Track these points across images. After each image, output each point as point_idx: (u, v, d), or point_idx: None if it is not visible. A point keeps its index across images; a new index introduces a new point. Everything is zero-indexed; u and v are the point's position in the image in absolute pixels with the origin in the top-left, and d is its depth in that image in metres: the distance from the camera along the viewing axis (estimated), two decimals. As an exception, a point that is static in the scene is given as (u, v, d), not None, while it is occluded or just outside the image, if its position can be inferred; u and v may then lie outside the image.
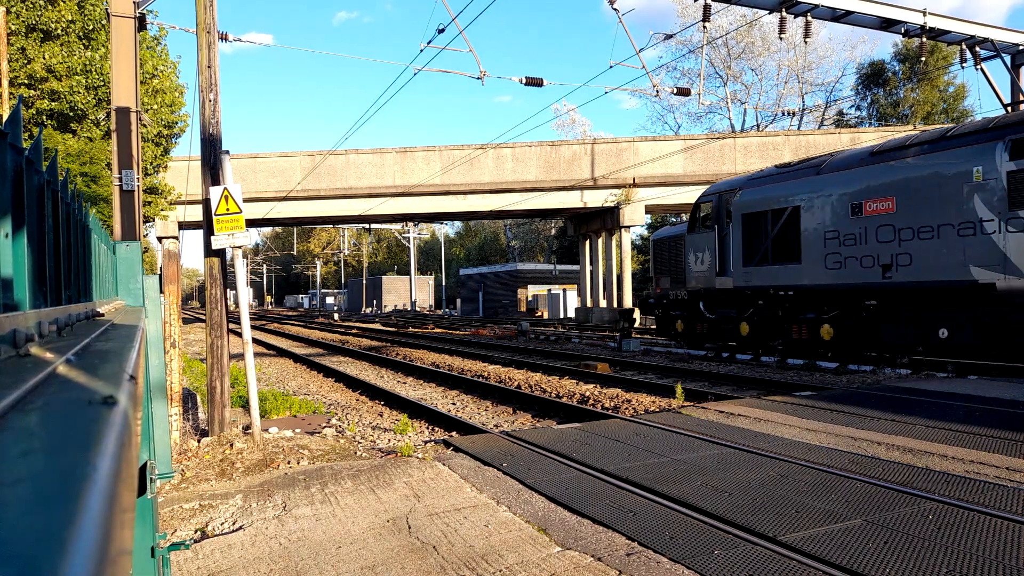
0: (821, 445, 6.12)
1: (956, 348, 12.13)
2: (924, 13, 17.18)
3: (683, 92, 19.76)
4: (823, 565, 3.48)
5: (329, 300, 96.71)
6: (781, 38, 17.00)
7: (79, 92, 16.15)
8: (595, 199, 32.78)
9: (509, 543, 4.02)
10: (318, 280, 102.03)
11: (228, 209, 7.71)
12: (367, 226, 57.66)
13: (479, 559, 3.79)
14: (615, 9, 16.96)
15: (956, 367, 12.13)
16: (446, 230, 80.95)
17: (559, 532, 4.16)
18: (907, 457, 5.61)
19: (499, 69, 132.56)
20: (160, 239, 30.81)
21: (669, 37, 18.71)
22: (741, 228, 16.36)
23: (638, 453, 6.03)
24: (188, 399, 11.63)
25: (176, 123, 21.07)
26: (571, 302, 47.20)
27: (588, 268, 36.25)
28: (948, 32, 17.83)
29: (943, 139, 12.35)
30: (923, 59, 22.26)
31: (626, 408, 10.36)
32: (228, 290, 9.16)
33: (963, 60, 18.48)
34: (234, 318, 10.04)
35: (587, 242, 36.33)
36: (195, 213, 22.02)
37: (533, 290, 55.26)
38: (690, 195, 25.69)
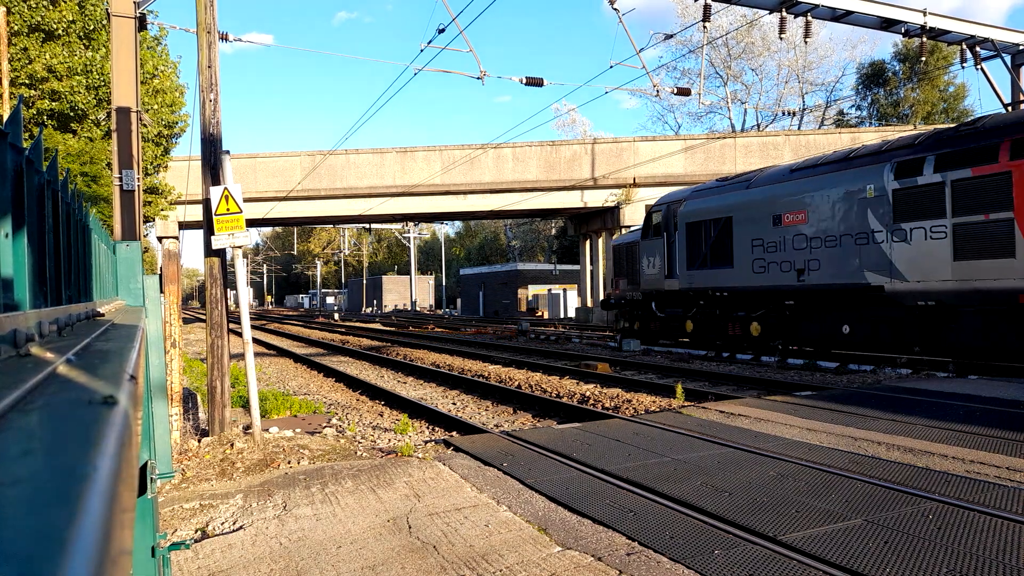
0: (821, 445, 6.12)
1: (856, 342, 13.80)
2: (924, 13, 17.17)
3: (683, 92, 19.76)
4: (823, 565, 3.48)
5: (329, 300, 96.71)
6: (781, 38, 16.99)
7: (79, 92, 16.15)
8: (595, 199, 32.77)
9: (509, 543, 4.02)
10: (318, 280, 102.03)
11: (228, 209, 7.71)
12: (367, 226, 57.67)
13: (479, 559, 3.79)
14: (615, 9, 16.95)
15: (956, 367, 12.15)
16: (446, 230, 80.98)
17: (559, 532, 4.16)
18: (907, 457, 5.61)
19: (499, 69, 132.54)
20: (160, 239, 30.80)
21: (669, 37, 18.70)
22: (685, 235, 18.04)
23: (638, 453, 6.03)
24: (188, 399, 11.63)
25: (176, 123, 21.08)
26: (571, 302, 47.17)
27: (588, 268, 36.24)
28: (948, 32, 17.82)
29: (846, 159, 14.10)
30: (923, 59, 22.26)
31: (626, 408, 10.36)
32: (228, 290, 9.16)
33: (963, 60, 18.48)
34: (234, 318, 10.03)
35: (587, 242, 36.33)
36: (195, 213, 22.02)
37: (533, 290, 55.25)
38: (690, 195, 25.77)
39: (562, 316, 46.83)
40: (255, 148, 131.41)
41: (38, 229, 1.62)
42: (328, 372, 16.91)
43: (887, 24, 17.30)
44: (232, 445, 7.41)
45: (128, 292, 3.56)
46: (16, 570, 0.32)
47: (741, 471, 5.32)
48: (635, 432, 6.91)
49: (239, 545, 4.27)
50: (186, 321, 50.02)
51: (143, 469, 2.22)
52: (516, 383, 13.46)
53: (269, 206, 31.40)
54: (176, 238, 30.75)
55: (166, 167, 23.32)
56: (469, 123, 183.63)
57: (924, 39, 17.70)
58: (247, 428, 8.28)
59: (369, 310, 77.10)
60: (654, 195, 32.10)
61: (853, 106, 51.12)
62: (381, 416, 11.08)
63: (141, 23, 9.29)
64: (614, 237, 23.64)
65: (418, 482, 5.39)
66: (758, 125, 51.33)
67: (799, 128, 49.20)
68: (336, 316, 54.36)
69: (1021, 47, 18.79)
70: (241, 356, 8.99)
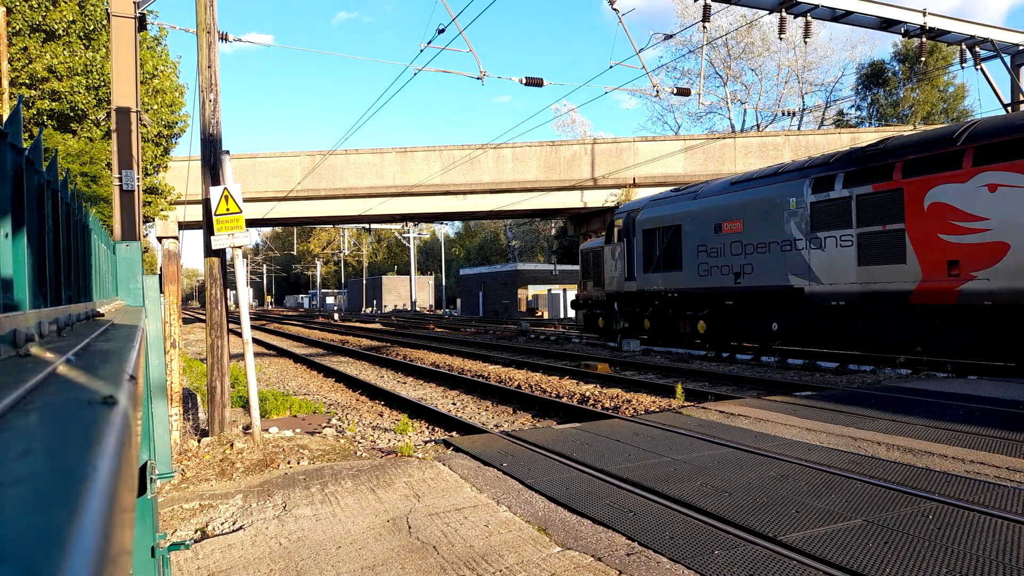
0: (821, 445, 6.12)
1: (782, 337, 15.47)
2: (924, 13, 17.17)
3: (683, 92, 19.77)
4: (823, 565, 3.48)
5: (329, 300, 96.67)
6: (781, 38, 16.99)
7: (80, 92, 16.14)
8: (595, 199, 32.76)
9: (509, 543, 4.02)
10: (318, 280, 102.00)
11: (228, 209, 7.71)
12: (367, 226, 57.64)
13: (479, 559, 3.79)
14: (615, 9, 16.95)
15: (956, 367, 12.17)
16: (446, 230, 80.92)
17: (559, 532, 4.16)
18: (907, 457, 5.60)
19: (499, 69, 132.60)
20: (160, 239, 30.76)
21: (669, 37, 18.70)
22: (642, 242, 19.71)
23: (638, 453, 6.03)
24: (188, 399, 11.63)
25: (176, 123, 21.05)
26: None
27: (588, 268, 36.23)
28: (948, 32, 17.82)
29: (775, 174, 15.71)
30: (923, 59, 22.25)
31: (626, 408, 10.36)
32: (228, 290, 9.16)
33: (963, 60, 18.48)
34: (234, 318, 10.03)
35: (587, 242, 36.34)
36: (195, 213, 22.01)
37: (533, 290, 55.20)
38: (690, 195, 25.94)
39: (562, 316, 46.80)
40: (255, 148, 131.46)
41: (38, 229, 1.62)
42: (328, 372, 16.90)
43: (887, 24, 17.30)
44: (232, 445, 7.41)
45: (128, 292, 3.56)
46: (16, 570, 0.32)
47: (741, 471, 5.31)
48: (635, 432, 6.91)
49: (239, 545, 4.27)
50: (186, 321, 50.03)
51: (143, 469, 2.22)
52: (516, 383, 13.46)
53: (269, 206, 31.39)
54: (176, 238, 30.72)
55: (166, 167, 23.29)
56: (469, 123, 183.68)
57: (924, 39, 17.70)
58: (247, 428, 8.28)
59: (369, 310, 77.06)
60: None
61: (853, 106, 51.13)
62: (381, 416, 11.07)
63: (141, 23, 9.29)
64: (583, 242, 25.51)
65: (418, 482, 5.39)
66: (758, 125, 51.33)
67: (799, 128, 49.20)
68: (336, 316, 54.33)
69: (1021, 47, 18.79)
70: (241, 356, 8.99)
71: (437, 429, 9.78)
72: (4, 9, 13.86)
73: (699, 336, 17.79)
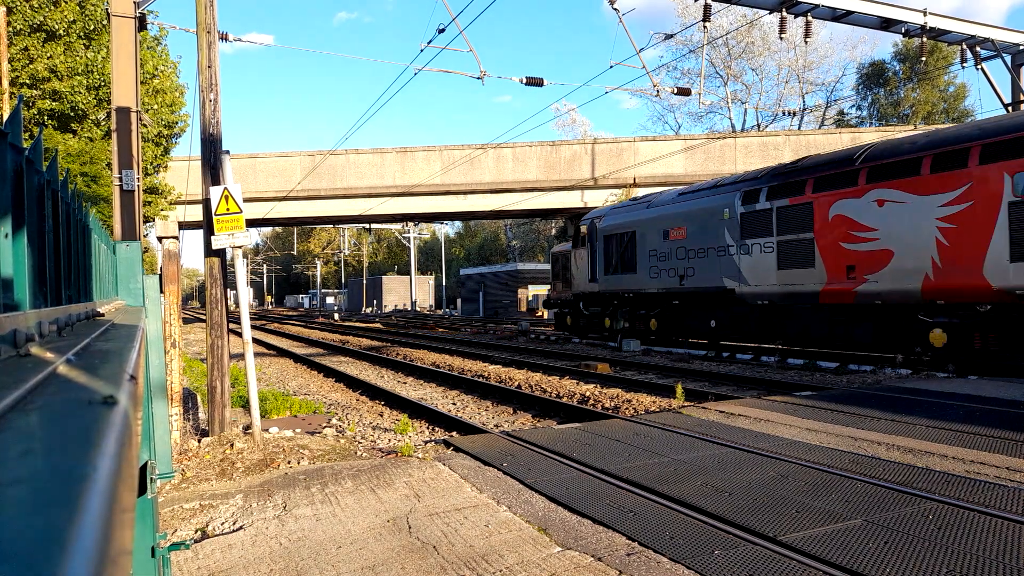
0: (821, 445, 6.12)
1: (719, 333, 17.22)
2: (924, 13, 17.16)
3: (683, 92, 19.77)
4: (823, 565, 3.48)
5: (329, 300, 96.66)
6: (781, 38, 16.99)
7: (80, 92, 16.14)
8: (596, 199, 32.74)
9: (509, 543, 4.02)
10: (318, 280, 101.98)
11: (228, 209, 7.71)
12: (367, 226, 57.62)
13: (479, 559, 3.79)
14: (615, 9, 16.95)
15: (956, 367, 12.18)
16: (446, 230, 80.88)
17: (559, 532, 4.16)
18: (907, 457, 5.60)
19: (499, 69, 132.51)
20: (160, 239, 30.75)
21: (669, 37, 18.70)
22: (603, 246, 21.43)
23: (638, 453, 6.03)
24: (188, 399, 11.63)
25: (176, 123, 21.04)
26: (571, 302, 47.09)
27: (588, 268, 36.24)
28: (948, 32, 17.82)
29: (714, 187, 17.44)
30: (923, 59, 22.26)
31: (626, 408, 10.36)
32: (228, 290, 9.16)
33: (963, 60, 18.47)
34: (234, 318, 10.03)
35: (587, 242, 36.32)
36: (195, 213, 22.00)
37: (533, 290, 55.17)
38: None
39: (562, 316, 46.72)
40: (255, 148, 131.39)
41: (38, 229, 1.62)
42: (328, 372, 16.91)
43: (887, 24, 17.29)
44: (232, 445, 7.41)
45: (128, 292, 3.56)
46: (16, 570, 0.32)
47: (741, 471, 5.31)
48: (635, 432, 6.91)
49: (239, 545, 4.27)
50: (186, 321, 50.02)
51: (143, 469, 2.22)
52: (516, 383, 13.46)
53: (269, 206, 31.38)
54: (176, 238, 30.72)
55: (166, 167, 23.28)
56: (469, 123, 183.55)
57: (924, 39, 17.69)
58: (247, 428, 8.28)
59: (369, 310, 77.06)
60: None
61: (853, 106, 51.15)
62: (381, 416, 11.07)
63: (141, 23, 9.29)
64: (554, 247, 27.81)
65: (418, 482, 5.39)
66: (758, 125, 51.31)
67: (799, 128, 49.18)
68: (336, 316, 54.33)
69: (1021, 47, 18.78)
70: (241, 356, 8.99)
71: (437, 429, 9.77)
72: (4, 9, 13.86)
73: (652, 333, 19.60)
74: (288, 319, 54.38)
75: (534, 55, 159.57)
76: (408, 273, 75.76)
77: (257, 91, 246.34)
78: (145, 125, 11.30)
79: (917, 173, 12.25)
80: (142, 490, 2.08)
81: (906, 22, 17.18)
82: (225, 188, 7.74)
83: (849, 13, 16.53)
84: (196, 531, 4.66)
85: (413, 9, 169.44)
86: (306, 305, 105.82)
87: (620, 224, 20.73)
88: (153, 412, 3.10)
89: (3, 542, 0.34)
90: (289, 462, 6.79)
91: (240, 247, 7.84)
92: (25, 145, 1.48)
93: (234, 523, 4.73)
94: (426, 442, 7.95)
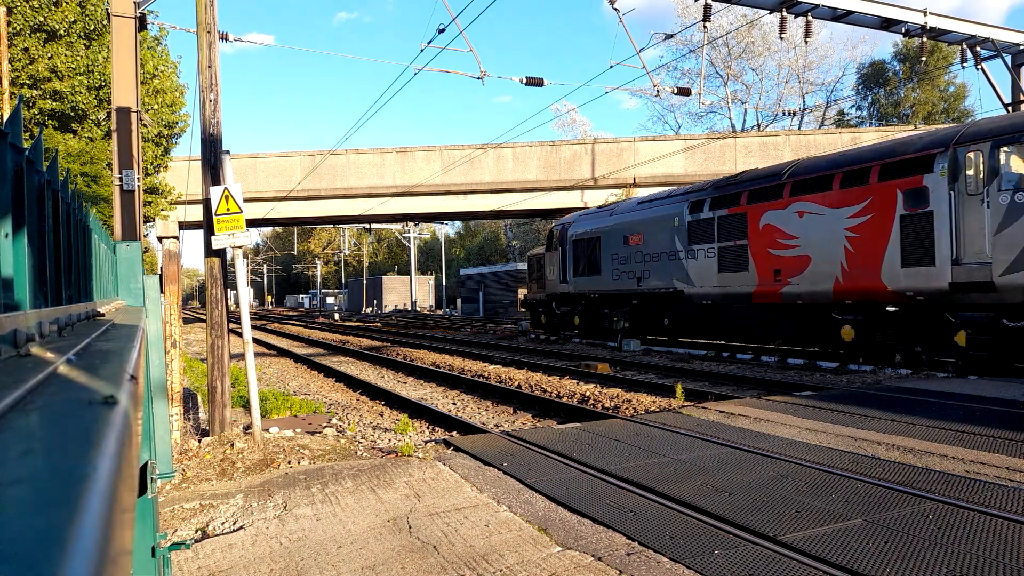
0: (821, 445, 6.12)
1: (671, 330, 18.94)
2: (924, 13, 17.15)
3: (683, 92, 19.76)
4: (823, 565, 3.48)
5: (329, 300, 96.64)
6: (781, 38, 16.98)
7: (81, 92, 16.14)
8: (596, 199, 32.71)
9: (509, 543, 4.02)
10: (318, 280, 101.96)
11: (228, 209, 7.71)
12: (367, 226, 57.62)
13: (479, 559, 3.79)
14: (615, 9, 16.94)
15: (956, 367, 12.19)
16: (446, 230, 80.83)
17: (559, 532, 4.16)
18: (907, 457, 5.60)
19: (499, 69, 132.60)
20: (160, 239, 30.76)
21: (669, 37, 18.69)
22: (572, 250, 23.01)
23: (638, 453, 6.03)
24: (189, 399, 11.63)
25: (177, 123, 21.04)
26: (571, 302, 47.06)
27: (588, 268, 36.23)
28: (948, 32, 17.80)
29: (668, 197, 19.15)
30: (923, 59, 22.23)
31: (626, 408, 10.36)
32: (228, 290, 9.15)
33: (963, 60, 18.46)
34: (235, 318, 10.03)
35: (587, 242, 36.31)
36: (195, 213, 22.00)
37: (533, 290, 55.08)
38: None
39: (562, 316, 46.73)
40: (255, 148, 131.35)
41: (38, 229, 1.62)
42: (328, 372, 16.91)
43: (887, 24, 17.28)
44: (232, 445, 7.41)
45: (128, 292, 3.57)
46: (16, 570, 0.32)
47: (741, 471, 5.31)
48: (635, 432, 6.91)
49: (239, 545, 4.27)
50: (186, 321, 50.01)
51: (143, 469, 2.22)
52: (516, 383, 13.46)
53: (269, 206, 31.38)
54: (176, 238, 30.72)
55: (166, 167, 23.27)
56: (469, 123, 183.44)
57: (924, 39, 17.68)
58: (247, 428, 8.28)
59: (369, 310, 77.04)
60: (654, 195, 32.08)
61: (853, 106, 51.13)
62: (381, 416, 11.07)
63: (141, 23, 9.29)
64: (530, 251, 29.15)
65: (418, 482, 5.39)
66: (758, 125, 51.29)
67: (799, 128, 49.16)
68: (336, 316, 54.33)
69: (1021, 47, 18.77)
70: (241, 356, 8.99)
71: (437, 429, 9.78)
72: (5, 9, 13.86)
73: (619, 329, 21.06)
74: (288, 319, 54.38)
75: (534, 55, 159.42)
76: (408, 273, 75.75)
77: (257, 91, 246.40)
78: (145, 125, 11.31)
79: (829, 188, 13.76)
80: (142, 490, 2.08)
81: (906, 22, 17.16)
82: (225, 188, 7.74)
83: (849, 13, 16.52)
84: (196, 531, 4.66)
85: (413, 9, 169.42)
86: (306, 305, 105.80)
87: (587, 231, 22.29)
88: (153, 412, 3.10)
89: (3, 542, 0.34)
90: (289, 462, 6.79)
91: (240, 247, 7.84)
92: (25, 145, 1.48)
93: (234, 523, 4.73)
94: (426, 442, 7.95)
